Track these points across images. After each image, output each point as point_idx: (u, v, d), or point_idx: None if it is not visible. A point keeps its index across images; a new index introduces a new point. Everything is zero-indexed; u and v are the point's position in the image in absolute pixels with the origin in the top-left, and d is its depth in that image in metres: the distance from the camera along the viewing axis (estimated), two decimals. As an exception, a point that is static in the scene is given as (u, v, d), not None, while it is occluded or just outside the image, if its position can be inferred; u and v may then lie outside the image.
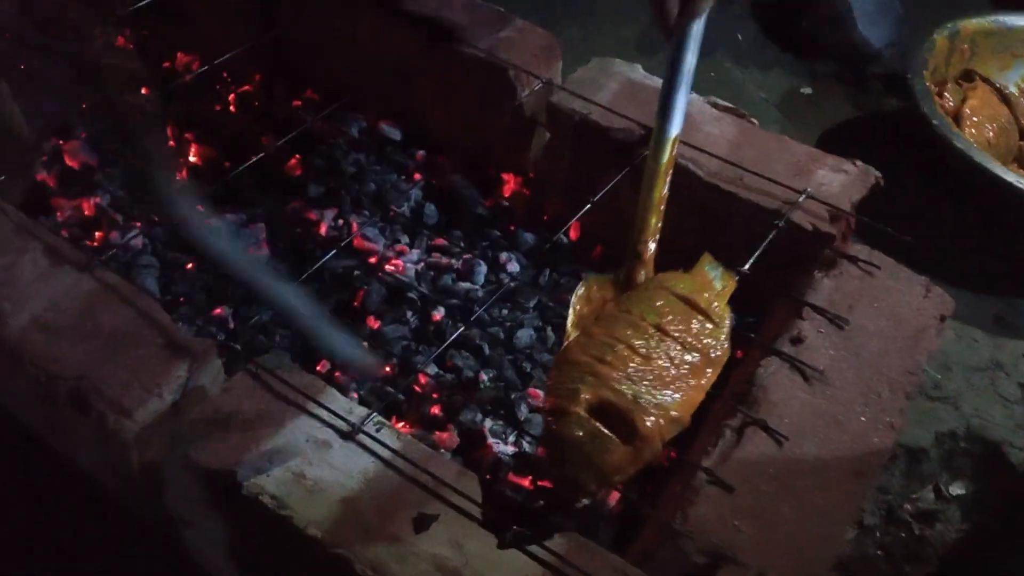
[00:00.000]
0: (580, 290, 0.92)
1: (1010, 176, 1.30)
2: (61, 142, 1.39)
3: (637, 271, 0.92)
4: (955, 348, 1.24)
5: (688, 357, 0.83)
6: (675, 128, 0.90)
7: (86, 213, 1.28)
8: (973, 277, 1.35)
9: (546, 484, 1.01)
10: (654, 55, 1.78)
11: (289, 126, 1.43)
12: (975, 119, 1.45)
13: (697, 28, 0.86)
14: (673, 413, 0.79)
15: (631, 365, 0.81)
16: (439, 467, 0.81)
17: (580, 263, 1.29)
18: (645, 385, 0.80)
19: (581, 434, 0.76)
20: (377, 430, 0.84)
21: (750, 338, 1.01)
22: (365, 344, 1.14)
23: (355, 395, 1.09)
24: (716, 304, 0.90)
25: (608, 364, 0.81)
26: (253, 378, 0.88)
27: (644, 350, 0.82)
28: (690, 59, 0.87)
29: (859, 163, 1.16)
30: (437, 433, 1.05)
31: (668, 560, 0.78)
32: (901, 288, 1.00)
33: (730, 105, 1.24)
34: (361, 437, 0.83)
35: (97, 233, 1.25)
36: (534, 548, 0.76)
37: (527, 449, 1.06)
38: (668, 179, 0.92)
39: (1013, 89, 1.57)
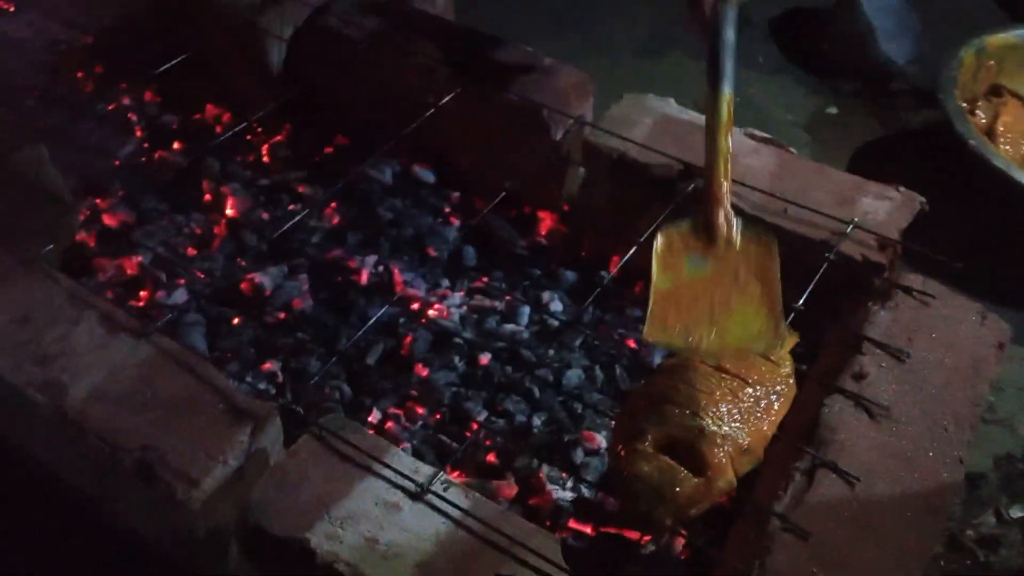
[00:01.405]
0: (661, 240, 0.93)
1: (1051, 194, 1.29)
2: (98, 201, 1.39)
3: (716, 212, 0.93)
4: (1006, 369, 1.23)
5: (751, 391, 0.83)
6: (727, 87, 0.92)
7: (128, 272, 1.28)
8: (1020, 296, 1.34)
9: (610, 530, 1.01)
10: (662, 57, 1.79)
11: (323, 174, 1.44)
12: (1009, 135, 1.45)
13: (732, 11, 0.91)
14: (743, 443, 0.79)
15: (695, 402, 0.81)
16: (512, 526, 0.81)
17: (622, 299, 1.29)
18: (711, 419, 0.80)
19: (650, 470, 0.77)
20: (445, 489, 0.84)
21: (804, 371, 1.00)
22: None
23: (406, 445, 1.09)
24: (779, 356, 0.90)
25: (672, 402, 0.81)
26: (318, 440, 0.88)
27: (706, 388, 0.82)
28: (730, 34, 0.91)
29: (903, 189, 1.15)
30: (495, 482, 1.05)
31: (749, 610, 0.77)
32: (957, 317, 0.99)
33: (768, 136, 1.24)
34: (430, 498, 0.83)
35: (141, 292, 1.26)
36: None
37: (586, 494, 1.05)
38: (730, 133, 0.94)
39: (1041, 103, 1.57)
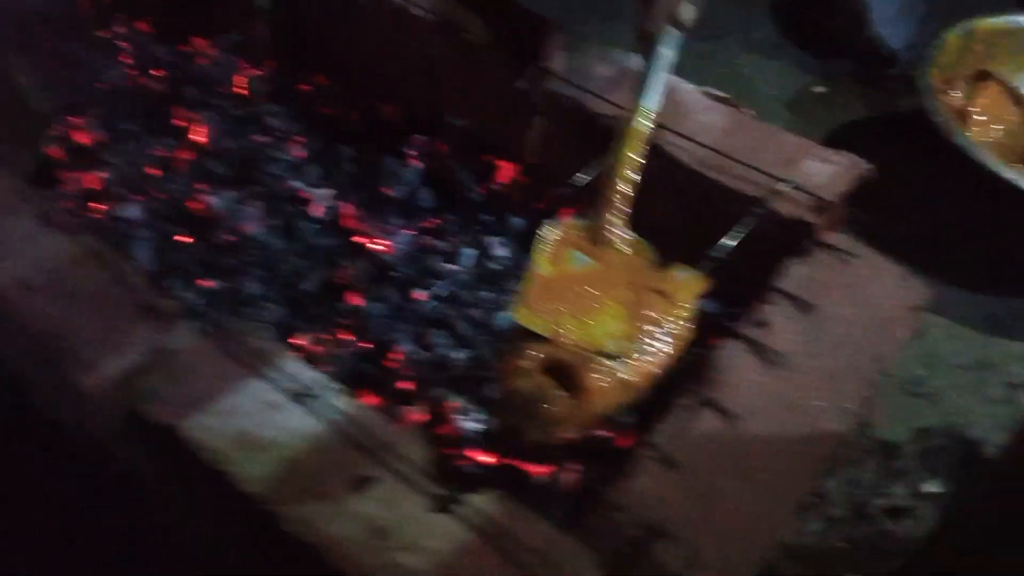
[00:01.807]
0: (552, 230, 0.94)
1: (1009, 173, 1.26)
2: (74, 118, 1.43)
3: (605, 216, 0.95)
4: (944, 346, 1.21)
5: (646, 331, 0.83)
6: (648, 102, 0.98)
7: (92, 187, 1.32)
8: (973, 277, 1.31)
9: (509, 461, 1.01)
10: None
11: (296, 109, 1.47)
12: (982, 118, 1.41)
13: (674, 33, 0.95)
14: (622, 375, 0.79)
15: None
16: (386, 433, 0.82)
17: (569, 250, 1.29)
18: (599, 349, 0.80)
19: (525, 386, 0.77)
20: (327, 394, 0.85)
21: (725, 327, 1.00)
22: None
23: (331, 368, 1.11)
24: (678, 292, 0.90)
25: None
26: (216, 341, 0.90)
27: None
28: (667, 53, 0.97)
29: (849, 154, 1.14)
30: (404, 407, 1.06)
31: (603, 533, 0.78)
32: (876, 276, 0.98)
33: (724, 95, 1.23)
34: (311, 401, 0.84)
35: (99, 205, 1.29)
36: (466, 512, 0.76)
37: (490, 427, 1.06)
38: (639, 145, 0.98)
39: (1030, 92, 1.53)
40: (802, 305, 0.94)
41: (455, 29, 1.32)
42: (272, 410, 0.83)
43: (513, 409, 0.78)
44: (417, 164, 1.40)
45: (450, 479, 0.78)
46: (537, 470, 1.00)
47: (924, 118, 1.46)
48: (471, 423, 1.07)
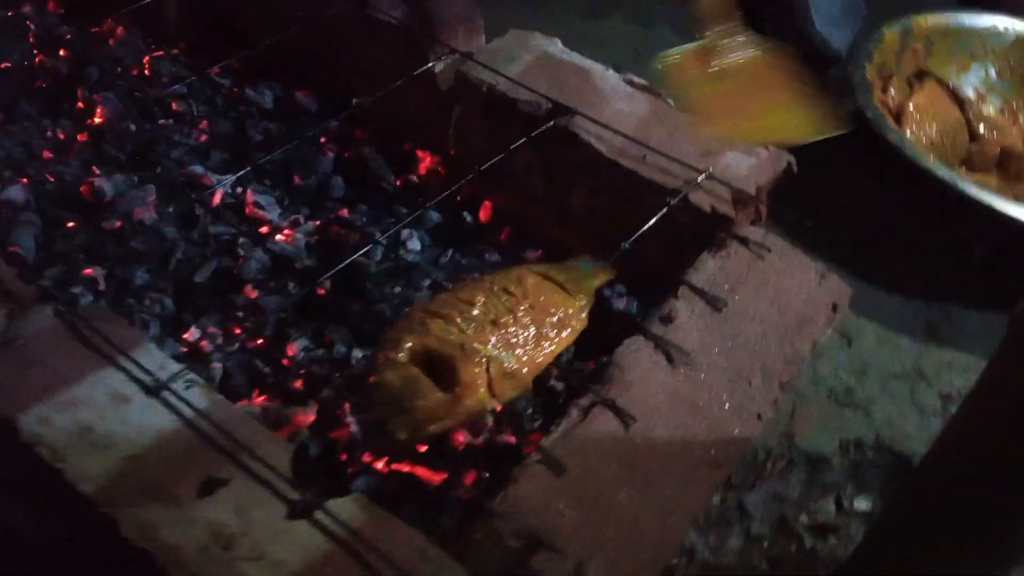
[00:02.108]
0: (671, 57, 0.98)
1: (943, 172, 1.21)
2: (-36, 97, 1.34)
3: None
4: (875, 354, 1.15)
5: (532, 317, 0.77)
6: None
7: (-27, 166, 1.23)
8: (907, 281, 1.27)
9: (402, 467, 0.94)
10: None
11: (203, 93, 1.39)
12: (918, 117, 1.37)
13: None
14: (507, 366, 0.73)
15: (465, 318, 0.74)
16: (244, 431, 0.75)
17: (487, 245, 1.22)
18: (475, 336, 0.73)
19: (393, 378, 0.70)
20: (186, 388, 0.77)
21: (630, 322, 0.93)
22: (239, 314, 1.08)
23: (218, 364, 1.02)
24: (576, 283, 0.84)
25: (442, 317, 0.75)
26: (69, 328, 0.81)
27: (483, 308, 0.76)
28: None
29: (772, 148, 1.08)
30: (292, 408, 0.98)
31: (484, 544, 0.71)
32: (792, 272, 0.92)
33: (645, 83, 1.18)
34: (166, 395, 0.76)
35: (-21, 188, 1.20)
36: (326, 520, 0.68)
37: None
38: None
39: (970, 92, 1.49)
40: (711, 300, 0.88)
41: (368, 7, 1.25)
42: (121, 403, 0.75)
43: (378, 403, 0.70)
44: (330, 152, 1.33)
45: (301, 476, 0.70)
46: (430, 477, 0.93)
47: (862, 118, 1.41)
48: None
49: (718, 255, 0.93)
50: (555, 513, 0.71)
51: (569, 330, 0.79)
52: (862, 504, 1.04)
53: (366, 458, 0.93)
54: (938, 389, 1.12)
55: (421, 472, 0.94)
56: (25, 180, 1.22)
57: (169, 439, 0.73)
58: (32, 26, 1.51)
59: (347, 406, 1.00)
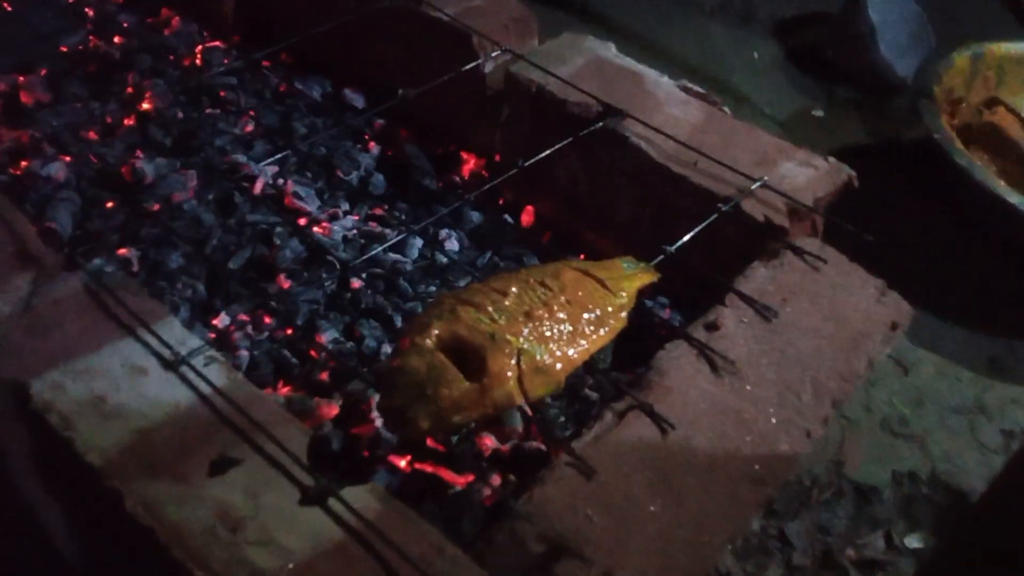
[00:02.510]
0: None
1: (1014, 198, 1.15)
2: (19, 77, 1.35)
3: None
4: (933, 385, 1.09)
5: (569, 312, 0.72)
6: None
7: (17, 140, 1.23)
8: (971, 313, 1.19)
9: (425, 467, 0.90)
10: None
11: (252, 84, 1.39)
12: (987, 143, 1.31)
13: None
14: (539, 360, 0.68)
15: (497, 308, 0.70)
16: (261, 411, 0.71)
17: (527, 248, 1.19)
18: (507, 326, 0.69)
19: (418, 364, 0.66)
20: (205, 365, 0.74)
21: (671, 327, 0.89)
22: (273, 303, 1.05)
23: (245, 352, 1.00)
24: (618, 282, 0.79)
25: (473, 305, 0.71)
26: (91, 296, 0.79)
27: (517, 299, 0.72)
28: None
29: (832, 160, 1.03)
30: (317, 399, 0.95)
31: (505, 546, 0.66)
32: (849, 287, 0.87)
33: (701, 90, 1.14)
34: (184, 370, 0.73)
35: (23, 162, 1.20)
36: (341, 510, 0.64)
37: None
38: None
39: (1043, 121, 1.42)
40: (761, 310, 0.82)
41: (422, 3, 1.23)
42: (137, 375, 0.72)
43: (400, 389, 0.66)
44: (374, 148, 1.31)
45: (317, 461, 0.66)
46: (454, 479, 0.88)
47: (929, 147, 1.35)
48: (390, 422, 0.95)
49: (770, 264, 0.88)
50: (582, 519, 0.66)
51: (607, 328, 0.74)
52: (914, 542, 0.97)
53: (391, 458, 0.90)
54: (1000, 425, 1.05)
55: (444, 473, 0.89)
56: (68, 158, 1.21)
57: (183, 415, 0.70)
58: (91, 13, 1.53)
59: (372, 402, 0.96)
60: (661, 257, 0.87)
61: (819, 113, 1.63)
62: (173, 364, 0.73)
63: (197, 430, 0.69)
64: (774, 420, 0.75)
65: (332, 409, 0.94)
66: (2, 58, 1.37)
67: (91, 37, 1.46)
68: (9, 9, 1.37)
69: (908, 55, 1.72)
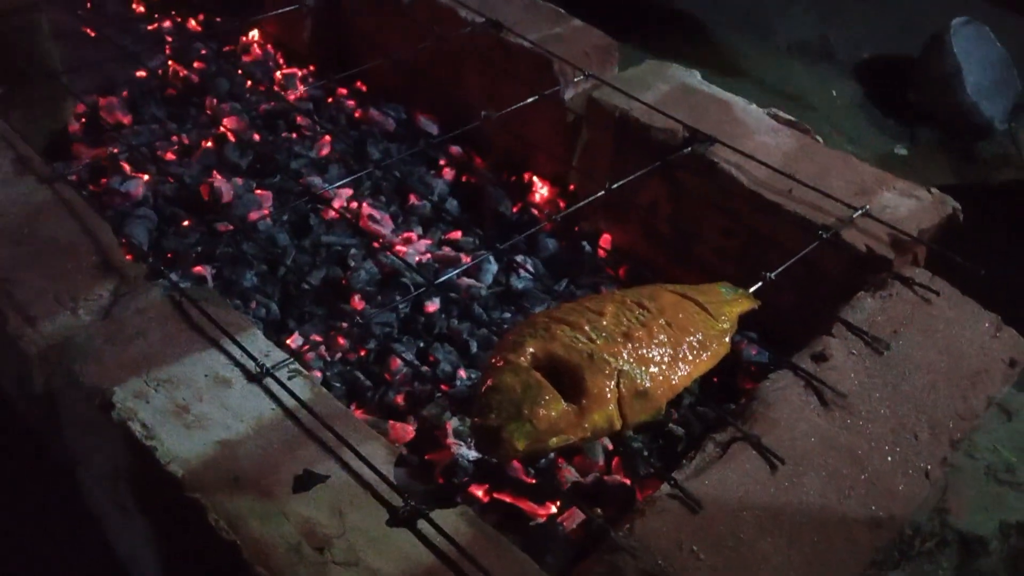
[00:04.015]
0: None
1: None
2: (101, 99, 1.37)
3: None
4: (1042, 432, 1.01)
5: (669, 335, 0.68)
6: None
7: (98, 159, 1.24)
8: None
9: (504, 497, 0.86)
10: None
11: (329, 109, 1.39)
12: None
13: None
14: (640, 384, 0.64)
15: (594, 327, 0.66)
16: (347, 427, 0.68)
17: (604, 279, 1.15)
18: (606, 347, 0.65)
19: (513, 382, 0.62)
20: (290, 378, 0.71)
21: (776, 357, 0.84)
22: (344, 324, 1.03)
23: (318, 373, 0.97)
24: (718, 306, 0.75)
25: (568, 323, 0.67)
26: (174, 306, 0.77)
27: (614, 319, 0.68)
28: None
29: (935, 191, 0.99)
30: (392, 423, 0.91)
31: (603, 581, 0.61)
32: (963, 321, 0.81)
33: (792, 118, 1.10)
34: (268, 382, 0.71)
35: (103, 179, 1.20)
36: (431, 532, 0.61)
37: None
38: None
39: None
40: (873, 342, 0.77)
41: (503, 29, 1.22)
42: (221, 386, 0.69)
43: (495, 408, 0.63)
44: (448, 173, 1.30)
45: (420, 492, 0.62)
46: (534, 510, 0.84)
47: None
48: (467, 450, 0.92)
49: (878, 295, 0.83)
50: (688, 555, 0.61)
51: (709, 353, 0.70)
52: (1024, 603, 0.89)
53: (471, 488, 0.86)
54: (1119, 479, 0.97)
55: (525, 504, 0.85)
56: (146, 177, 1.22)
57: (267, 428, 0.67)
58: (170, 39, 1.56)
59: (448, 427, 0.93)
60: (760, 284, 0.83)
61: (902, 152, 1.58)
62: (257, 376, 0.71)
63: (281, 444, 0.66)
64: (890, 459, 0.69)
65: (408, 433, 0.91)
66: (84, 80, 1.39)
67: (171, 62, 1.48)
68: (92, 34, 1.40)
69: (994, 97, 1.67)
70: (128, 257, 0.84)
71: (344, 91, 1.44)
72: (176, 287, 0.79)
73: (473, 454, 0.91)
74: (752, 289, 0.82)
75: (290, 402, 0.69)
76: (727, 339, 0.72)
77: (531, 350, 0.66)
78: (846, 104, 1.70)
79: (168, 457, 0.64)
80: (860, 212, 0.93)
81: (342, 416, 0.69)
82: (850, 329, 0.79)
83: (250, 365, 0.72)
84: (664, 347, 0.68)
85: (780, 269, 0.85)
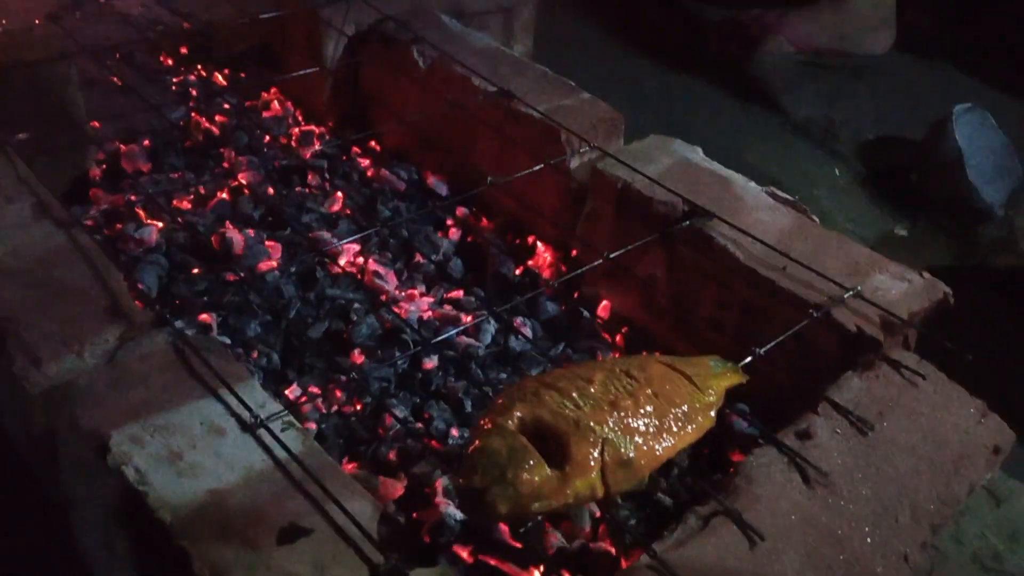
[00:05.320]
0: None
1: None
2: (122, 145, 1.41)
3: None
4: (1031, 520, 1.01)
5: (655, 406, 0.70)
6: None
7: (116, 207, 1.27)
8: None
9: (489, 560, 0.86)
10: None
11: (342, 167, 1.43)
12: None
13: None
14: (624, 453, 0.65)
15: (582, 394, 0.68)
16: (335, 482, 0.69)
17: (601, 343, 1.17)
18: (592, 415, 0.67)
19: (499, 445, 0.64)
20: (283, 430, 0.73)
21: (761, 432, 0.85)
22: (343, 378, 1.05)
23: (312, 425, 0.99)
24: (706, 379, 0.77)
25: (557, 389, 0.69)
26: (177, 354, 0.80)
27: (602, 386, 0.70)
28: None
29: (927, 275, 1.01)
30: (381, 478, 0.93)
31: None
32: (949, 406, 0.82)
33: (789, 197, 1.13)
34: (262, 432, 0.72)
35: (117, 225, 1.24)
36: (409, 592, 0.62)
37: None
38: None
39: None
40: (857, 422, 0.79)
41: (513, 100, 1.26)
42: (215, 434, 0.71)
43: (480, 470, 0.64)
44: (454, 234, 1.33)
45: (387, 538, 0.63)
46: (519, 574, 0.84)
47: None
48: (455, 510, 0.92)
49: (865, 376, 0.84)
50: (664, 629, 0.62)
51: (695, 426, 0.71)
52: None
53: (455, 547, 0.86)
54: (1108, 571, 0.97)
55: (509, 568, 0.86)
56: (160, 224, 1.25)
57: (257, 478, 0.68)
58: (195, 92, 1.61)
59: (438, 485, 0.94)
60: (749, 359, 0.84)
61: (903, 232, 1.61)
62: (251, 426, 0.73)
63: (270, 495, 0.67)
64: (869, 540, 0.70)
65: (397, 489, 0.92)
66: (108, 127, 1.44)
67: (193, 113, 1.53)
68: (119, 83, 1.45)
69: (995, 183, 1.70)
70: (137, 304, 0.87)
71: (358, 150, 1.48)
72: (180, 335, 0.81)
73: (461, 514, 0.92)
74: (742, 363, 0.84)
75: (282, 454, 0.71)
76: (712, 413, 0.74)
77: (519, 414, 0.67)
78: (848, 183, 1.74)
79: (159, 503, 0.65)
80: (852, 292, 0.94)
81: (331, 470, 0.70)
82: (836, 408, 0.80)
83: (245, 415, 0.74)
84: (650, 417, 0.70)
85: (770, 345, 0.87)
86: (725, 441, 1.00)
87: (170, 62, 1.69)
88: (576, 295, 1.25)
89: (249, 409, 0.74)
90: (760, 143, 1.78)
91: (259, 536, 0.64)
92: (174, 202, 1.33)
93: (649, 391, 0.71)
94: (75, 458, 0.76)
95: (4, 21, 1.62)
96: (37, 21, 1.62)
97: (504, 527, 0.83)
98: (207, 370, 0.77)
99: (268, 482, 0.68)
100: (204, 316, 1.11)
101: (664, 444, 0.69)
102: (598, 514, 0.91)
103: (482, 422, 0.69)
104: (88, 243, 0.92)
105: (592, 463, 0.65)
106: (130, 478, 0.67)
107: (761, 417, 0.95)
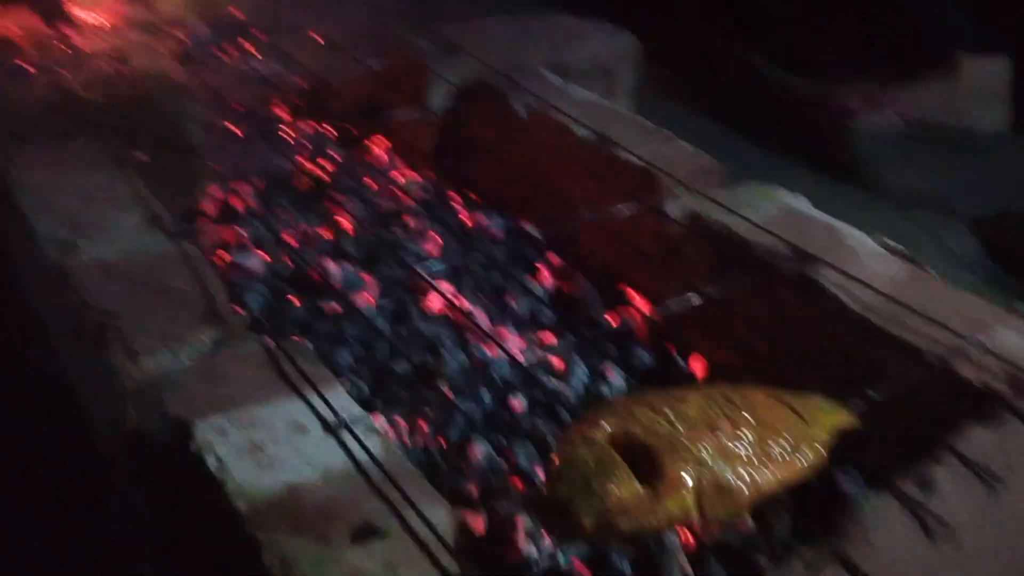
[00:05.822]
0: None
1: None
2: (235, 185, 1.47)
3: None
4: None
5: (758, 435, 0.65)
6: None
7: (224, 237, 1.31)
8: None
9: None
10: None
11: (440, 214, 1.45)
12: None
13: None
14: (724, 480, 0.61)
15: (677, 414, 0.64)
16: (414, 487, 0.67)
17: (695, 395, 1.11)
18: (689, 436, 0.63)
19: (587, 456, 0.60)
20: (368, 435, 0.71)
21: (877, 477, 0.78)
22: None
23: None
24: (814, 414, 0.72)
25: (650, 407, 0.65)
26: (268, 357, 0.80)
27: (698, 409, 0.65)
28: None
29: (1059, 331, 0.93)
30: (463, 511, 0.89)
31: None
32: (1088, 465, 0.74)
33: (902, 248, 1.07)
34: (344, 435, 0.71)
35: (227, 256, 1.27)
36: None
37: (561, 563, 0.86)
38: None
39: None
40: (984, 474, 0.71)
41: (612, 143, 1.26)
42: (297, 432, 0.70)
43: (565, 481, 0.60)
44: (547, 279, 1.31)
45: (477, 561, 0.60)
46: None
47: None
48: (536, 551, 0.88)
49: (993, 428, 0.77)
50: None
51: (801, 457, 0.66)
52: None
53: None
54: None
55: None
56: (267, 256, 1.28)
57: (336, 478, 0.67)
58: (305, 142, 1.68)
59: (519, 523, 0.90)
60: (860, 405, 0.78)
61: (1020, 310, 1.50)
62: (334, 428, 0.71)
63: (347, 494, 0.65)
64: (997, 600, 0.62)
65: (476, 523, 0.88)
66: (223, 167, 1.51)
67: (302, 159, 1.59)
68: (241, 135, 1.52)
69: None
70: (236, 309, 0.88)
71: (456, 196, 1.50)
72: (274, 338, 0.81)
73: (545, 559, 0.87)
74: (852, 407, 0.78)
75: (362, 456, 0.69)
76: (821, 450, 0.68)
77: (609, 428, 0.64)
78: (963, 257, 1.65)
79: (236, 492, 0.64)
80: (974, 344, 0.88)
81: (411, 477, 0.68)
82: (961, 460, 0.73)
83: (330, 417, 0.72)
84: (751, 444, 0.65)
85: (885, 393, 0.80)
86: (832, 501, 0.93)
87: (284, 113, 1.77)
88: (669, 343, 1.21)
89: (334, 411, 0.72)
90: (868, 216, 1.72)
91: (332, 532, 0.62)
92: (282, 237, 1.36)
93: (750, 417, 0.66)
94: (158, 451, 0.76)
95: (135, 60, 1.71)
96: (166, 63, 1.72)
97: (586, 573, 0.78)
98: (296, 372, 0.77)
99: (346, 482, 0.66)
100: (298, 338, 1.12)
101: (769, 476, 0.64)
102: (686, 569, 0.85)
103: (570, 433, 0.65)
104: (196, 255, 0.95)
105: (689, 483, 0.60)
106: (211, 466, 0.65)
107: (869, 475, 0.88)
